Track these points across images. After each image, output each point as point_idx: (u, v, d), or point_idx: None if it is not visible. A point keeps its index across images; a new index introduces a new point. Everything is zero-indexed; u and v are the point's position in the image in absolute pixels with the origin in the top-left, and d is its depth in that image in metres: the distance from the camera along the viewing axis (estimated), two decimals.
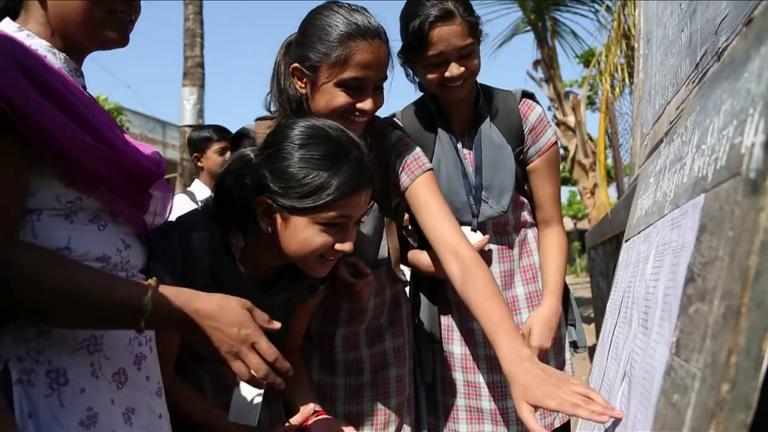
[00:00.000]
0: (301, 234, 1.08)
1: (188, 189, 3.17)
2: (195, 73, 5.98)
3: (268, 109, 1.41)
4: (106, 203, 0.90)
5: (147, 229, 1.04)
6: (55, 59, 0.92)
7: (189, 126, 5.84)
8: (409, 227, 1.68)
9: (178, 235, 1.10)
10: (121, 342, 0.93)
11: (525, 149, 1.61)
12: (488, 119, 1.58)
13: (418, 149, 1.43)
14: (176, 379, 1.17)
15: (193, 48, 6.02)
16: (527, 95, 1.63)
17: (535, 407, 0.99)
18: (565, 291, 1.69)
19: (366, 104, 1.26)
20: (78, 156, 0.83)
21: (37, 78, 0.81)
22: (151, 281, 0.87)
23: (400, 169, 1.39)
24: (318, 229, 1.08)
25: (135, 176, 0.93)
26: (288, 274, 1.24)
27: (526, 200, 1.67)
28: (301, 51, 1.27)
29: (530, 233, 1.68)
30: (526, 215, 1.67)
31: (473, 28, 1.46)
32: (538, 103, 1.63)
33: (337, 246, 1.11)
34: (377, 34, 1.24)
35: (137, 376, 0.95)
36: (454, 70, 1.45)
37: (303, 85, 1.30)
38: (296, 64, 1.28)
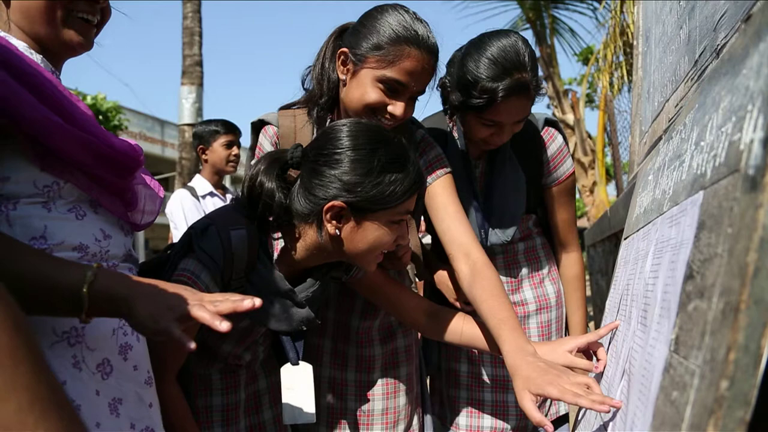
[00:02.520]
0: (374, 233, 1.14)
1: (189, 184, 3.15)
2: (194, 71, 5.97)
3: (303, 82, 1.44)
4: (84, 190, 0.90)
5: (129, 220, 1.02)
6: (34, 59, 0.92)
7: (188, 124, 5.83)
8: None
9: (216, 233, 1.10)
10: (105, 332, 0.92)
11: (542, 176, 1.62)
12: (509, 148, 1.56)
13: (440, 150, 1.45)
14: (175, 387, 1.13)
15: (192, 46, 6.01)
16: (550, 122, 1.62)
17: (537, 396, 1.01)
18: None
19: (397, 108, 1.27)
20: (47, 136, 0.83)
21: (8, 61, 0.81)
22: (95, 264, 0.84)
23: (423, 167, 1.41)
24: (388, 228, 1.14)
25: (111, 161, 0.92)
26: (317, 270, 1.26)
27: (533, 215, 1.69)
28: (355, 38, 1.29)
29: (538, 240, 1.71)
30: (532, 225, 1.70)
31: (535, 98, 1.42)
32: (560, 131, 1.62)
33: (400, 240, 1.18)
34: (431, 50, 1.26)
35: (124, 366, 0.94)
36: (505, 137, 1.45)
37: (345, 71, 1.31)
38: (345, 49, 1.30)
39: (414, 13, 1.27)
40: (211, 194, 3.08)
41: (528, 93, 1.37)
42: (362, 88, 1.27)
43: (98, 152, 0.90)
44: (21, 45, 0.92)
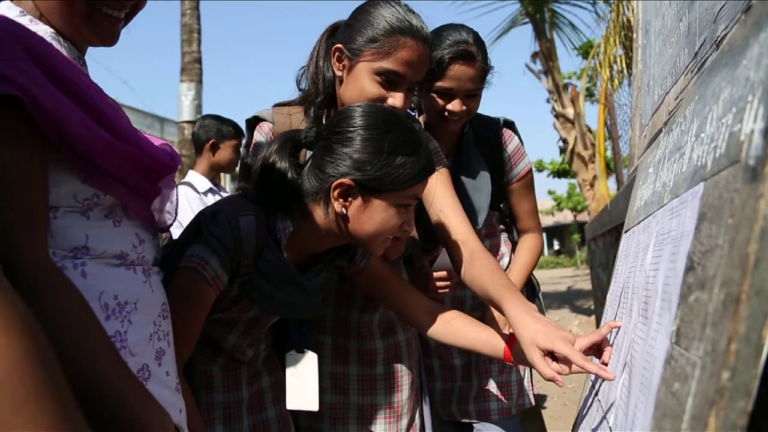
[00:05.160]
0: (380, 215, 1.13)
1: (186, 180, 3.05)
2: (192, 68, 5.95)
3: (298, 83, 1.44)
4: (121, 199, 0.88)
5: (156, 222, 1.01)
6: (60, 47, 0.89)
7: (187, 122, 5.81)
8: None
9: (226, 218, 1.09)
10: (144, 337, 0.91)
11: (503, 174, 1.75)
12: (472, 141, 1.68)
13: (435, 144, 1.47)
14: (183, 382, 1.12)
15: (191, 43, 6.00)
16: (507, 124, 1.75)
17: (545, 352, 1.00)
18: (533, 287, 1.84)
19: (397, 100, 1.27)
20: (96, 153, 0.81)
21: (52, 69, 0.78)
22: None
23: None
24: (395, 211, 1.14)
25: (150, 172, 0.92)
26: (324, 257, 1.26)
27: (497, 212, 1.81)
28: (349, 33, 1.29)
29: (501, 237, 1.83)
30: (495, 223, 1.81)
31: (484, 75, 1.58)
32: (516, 132, 1.77)
33: (405, 226, 1.18)
34: (426, 40, 1.28)
35: (159, 371, 0.93)
36: (456, 106, 1.55)
37: (341, 68, 1.32)
38: (340, 45, 1.30)
39: (406, 5, 1.29)
40: (212, 191, 3.03)
41: (473, 61, 1.52)
42: (360, 83, 1.27)
43: (141, 165, 0.88)
44: (48, 31, 0.88)
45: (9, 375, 0.39)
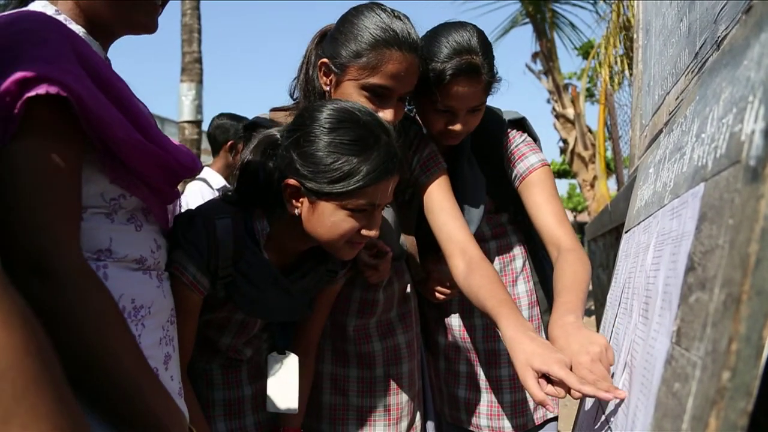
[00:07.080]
0: (329, 219, 1.08)
1: (201, 176, 3.00)
2: (193, 68, 5.95)
3: (291, 95, 1.41)
4: (144, 200, 0.89)
5: (168, 227, 1.02)
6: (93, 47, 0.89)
7: (187, 122, 5.81)
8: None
9: (201, 223, 1.09)
10: (155, 341, 0.91)
11: (508, 176, 1.54)
12: (468, 147, 1.53)
13: (434, 147, 1.42)
14: (185, 379, 1.13)
15: (191, 43, 5.99)
16: (513, 123, 1.55)
17: (539, 374, 0.95)
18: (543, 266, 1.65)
19: (387, 114, 1.23)
20: (129, 153, 0.82)
21: (94, 70, 0.79)
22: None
23: (417, 165, 1.39)
24: (345, 214, 1.08)
25: (174, 174, 0.92)
26: (311, 259, 1.24)
27: (506, 213, 1.64)
28: (333, 47, 1.25)
29: (513, 238, 1.66)
30: (505, 221, 1.65)
31: (490, 87, 1.38)
32: (525, 128, 1.55)
33: (364, 231, 1.11)
34: (413, 47, 1.21)
35: (165, 375, 0.93)
36: (458, 126, 1.38)
37: (327, 82, 1.28)
38: (325, 59, 1.26)
39: (392, 11, 1.23)
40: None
41: (478, 77, 1.32)
42: (347, 99, 1.23)
43: (167, 167, 0.89)
44: (81, 31, 0.89)
45: (11, 366, 0.41)
